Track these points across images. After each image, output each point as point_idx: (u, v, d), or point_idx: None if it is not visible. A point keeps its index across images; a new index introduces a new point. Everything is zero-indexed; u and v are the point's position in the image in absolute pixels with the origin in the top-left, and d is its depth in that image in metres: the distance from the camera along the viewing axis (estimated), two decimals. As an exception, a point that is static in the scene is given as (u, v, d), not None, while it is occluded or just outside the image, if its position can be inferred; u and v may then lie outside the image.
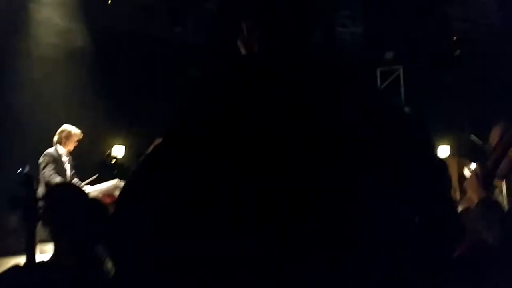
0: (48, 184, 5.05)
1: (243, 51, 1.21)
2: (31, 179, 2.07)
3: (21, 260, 2.27)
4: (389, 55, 8.29)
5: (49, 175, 5.22)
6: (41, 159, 5.41)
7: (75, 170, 5.71)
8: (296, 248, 0.95)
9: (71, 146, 5.65)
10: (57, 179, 5.23)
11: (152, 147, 1.37)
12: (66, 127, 5.67)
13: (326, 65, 1.13)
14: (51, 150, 5.53)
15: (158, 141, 1.24)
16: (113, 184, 4.63)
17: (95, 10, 7.53)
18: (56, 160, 5.45)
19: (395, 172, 1.03)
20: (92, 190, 4.68)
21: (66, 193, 2.13)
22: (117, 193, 4.36)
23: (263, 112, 1.01)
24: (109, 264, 1.87)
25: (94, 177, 5.66)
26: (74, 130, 5.67)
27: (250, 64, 1.11)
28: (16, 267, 1.91)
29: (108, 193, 4.32)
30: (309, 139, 1.00)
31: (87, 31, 7.50)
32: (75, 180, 5.55)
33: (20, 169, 5.78)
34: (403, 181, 1.04)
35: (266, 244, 0.95)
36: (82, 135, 5.72)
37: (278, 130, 1.00)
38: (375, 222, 0.99)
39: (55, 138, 5.63)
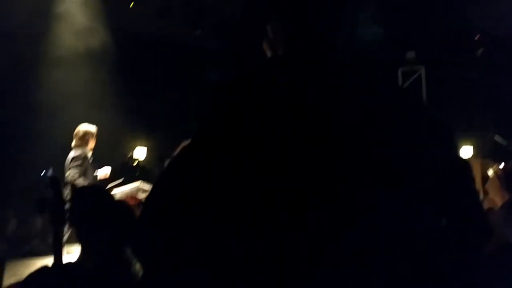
0: (72, 185, 5.10)
1: (268, 52, 1.21)
2: (58, 181, 2.09)
3: (46, 261, 2.31)
4: (410, 55, 8.22)
5: (73, 175, 5.28)
6: (71, 159, 5.45)
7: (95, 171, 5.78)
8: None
9: (91, 145, 5.69)
10: (80, 180, 5.28)
11: (179, 149, 1.37)
12: (85, 127, 5.69)
13: (350, 67, 1.13)
14: (80, 151, 5.54)
15: (185, 143, 1.25)
16: (135, 186, 4.66)
17: (117, 12, 7.62)
18: (84, 161, 5.50)
19: (417, 174, 1.03)
20: (116, 192, 4.73)
21: (92, 195, 2.15)
22: (140, 195, 4.40)
23: (290, 114, 1.01)
24: (137, 266, 1.89)
25: (120, 180, 5.70)
26: (91, 128, 5.71)
27: (276, 66, 1.12)
28: (44, 268, 1.94)
29: (131, 195, 4.36)
30: (335, 141, 1.00)
31: (109, 32, 7.59)
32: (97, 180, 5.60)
33: (44, 171, 5.86)
34: (425, 182, 1.04)
35: (298, 250, 0.95)
36: (96, 130, 5.74)
37: (304, 132, 1.00)
38: (393, 223, 0.98)
39: (78, 140, 5.64)
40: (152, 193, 1.12)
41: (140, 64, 7.95)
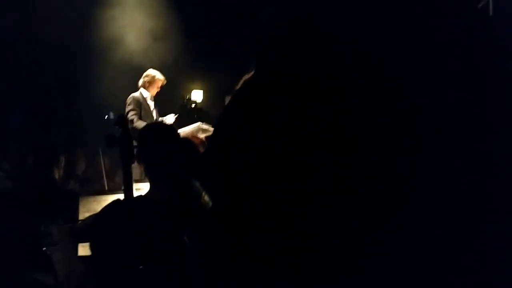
0: (133, 128, 5.25)
1: None
2: (125, 119, 2.15)
3: (117, 197, 2.41)
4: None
5: (131, 116, 5.46)
6: (127, 103, 5.63)
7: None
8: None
9: (154, 91, 5.81)
10: (139, 122, 5.44)
11: (241, 84, 1.37)
12: (151, 72, 5.82)
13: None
14: (136, 94, 5.72)
15: (246, 77, 1.23)
16: (196, 125, 4.75)
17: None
18: (141, 104, 5.64)
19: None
20: (178, 131, 4.83)
21: (159, 131, 2.21)
22: (200, 134, 4.48)
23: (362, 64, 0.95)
24: (205, 198, 1.94)
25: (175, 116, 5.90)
26: (158, 75, 5.81)
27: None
28: (117, 201, 2.04)
29: (192, 134, 4.45)
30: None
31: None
32: None
33: (107, 116, 6.04)
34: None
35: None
36: (165, 81, 5.85)
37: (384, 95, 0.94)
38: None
39: (140, 82, 5.82)
40: (218, 126, 1.12)
41: (194, 6, 7.91)
